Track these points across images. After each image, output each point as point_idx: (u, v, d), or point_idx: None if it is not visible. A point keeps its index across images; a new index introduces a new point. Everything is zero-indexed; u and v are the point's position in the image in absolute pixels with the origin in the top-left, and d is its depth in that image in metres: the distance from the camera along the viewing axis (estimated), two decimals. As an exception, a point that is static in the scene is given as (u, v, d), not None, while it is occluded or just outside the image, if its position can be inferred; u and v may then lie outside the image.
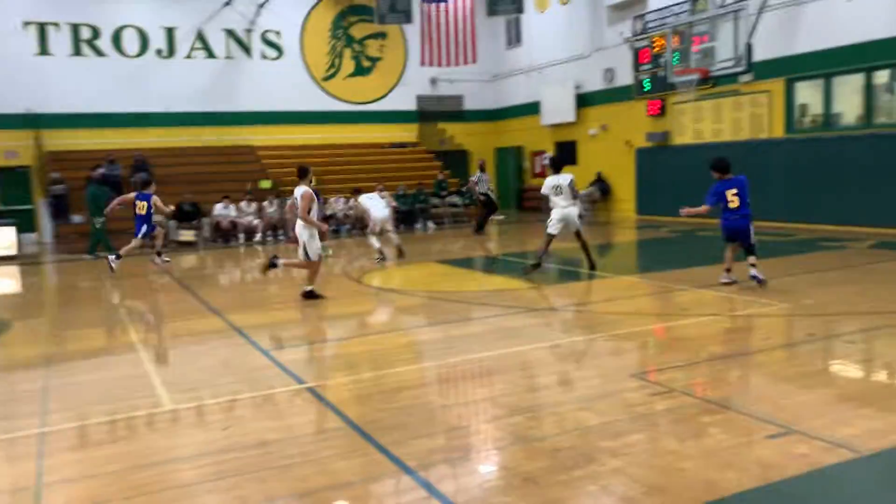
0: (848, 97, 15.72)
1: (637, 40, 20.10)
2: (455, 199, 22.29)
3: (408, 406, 5.35)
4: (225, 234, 18.79)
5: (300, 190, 9.54)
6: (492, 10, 22.79)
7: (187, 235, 18.43)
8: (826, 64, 15.54)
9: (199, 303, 10.25)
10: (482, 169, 19.27)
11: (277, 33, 23.89)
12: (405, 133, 25.62)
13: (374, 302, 10.26)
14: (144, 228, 12.94)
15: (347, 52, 24.94)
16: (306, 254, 9.65)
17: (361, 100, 25.12)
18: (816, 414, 4.81)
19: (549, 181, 11.19)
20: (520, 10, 22.92)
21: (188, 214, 18.77)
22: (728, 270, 9.52)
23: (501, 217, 23.31)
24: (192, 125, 22.41)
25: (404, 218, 20.84)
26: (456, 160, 25.58)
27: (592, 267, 11.08)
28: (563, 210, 10.97)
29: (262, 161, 22.48)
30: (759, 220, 16.68)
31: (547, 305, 9.43)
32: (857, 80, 15.31)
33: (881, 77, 15.01)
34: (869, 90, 15.13)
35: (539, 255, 11.13)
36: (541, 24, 24.17)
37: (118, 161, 19.60)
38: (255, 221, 19.12)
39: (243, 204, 19.31)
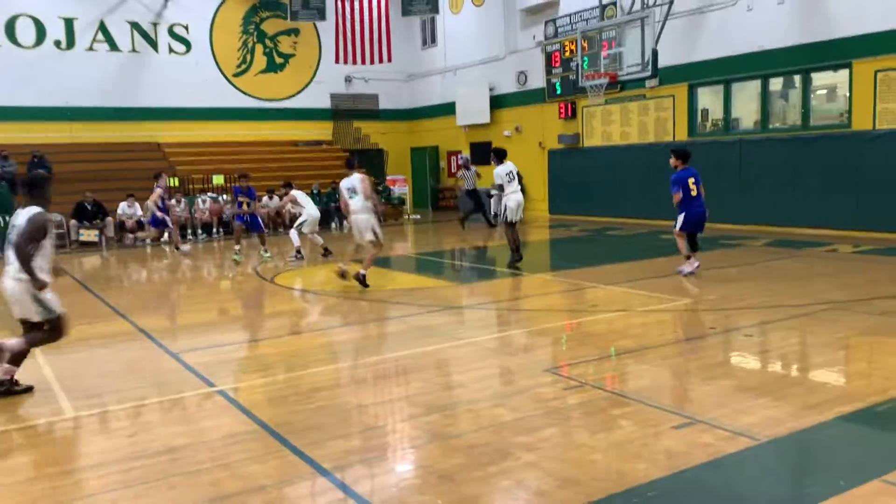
0: (746, 103, 16.54)
1: (549, 44, 20.53)
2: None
3: (323, 407, 5.28)
4: (130, 234, 18.07)
5: (354, 178, 9.97)
6: (406, 10, 22.81)
7: (89, 235, 17.65)
8: (725, 70, 16.28)
9: (103, 305, 9.82)
10: (466, 166, 19.26)
11: (185, 27, 23.14)
12: (319, 131, 25.30)
13: (288, 302, 10.08)
14: None
15: (259, 48, 24.40)
16: (376, 236, 9.95)
17: (274, 97, 24.65)
18: (719, 404, 5.03)
19: (502, 170, 11.42)
20: (434, 10, 23.03)
21: (90, 213, 17.96)
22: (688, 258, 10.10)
23: (417, 216, 23.38)
24: (94, 120, 21.46)
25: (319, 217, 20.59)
26: (371, 159, 25.44)
27: (520, 259, 11.36)
28: (516, 196, 11.36)
29: (170, 159, 21.74)
30: (665, 220, 17.41)
31: (462, 303, 9.51)
32: (753, 86, 16.12)
33: (776, 84, 15.86)
34: (765, 96, 15.95)
35: (516, 248, 11.45)
36: (455, 25, 24.36)
37: (11, 157, 18.56)
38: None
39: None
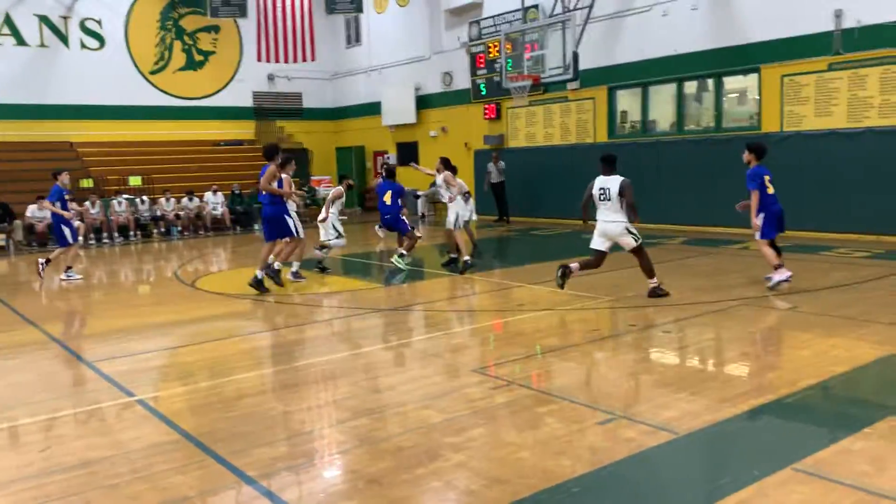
0: (662, 105, 17.09)
1: (473, 45, 20.70)
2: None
3: (248, 414, 5.19)
4: (40, 238, 17.27)
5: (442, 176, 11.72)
6: (330, 9, 22.60)
7: (-6, 239, 16.80)
8: (643, 74, 16.78)
9: (11, 312, 9.37)
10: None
11: (98, 22, 22.28)
12: (241, 130, 24.79)
13: (210, 307, 9.83)
14: None
15: (178, 45, 23.72)
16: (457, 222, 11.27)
17: (193, 95, 24.01)
18: (640, 399, 5.19)
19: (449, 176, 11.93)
20: (359, 9, 22.91)
21: (-4, 216, 17.10)
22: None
23: (343, 217, 23.16)
24: (0, 118, 20.42)
25: (240, 219, 20.19)
26: (295, 159, 25.00)
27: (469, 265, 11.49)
28: (460, 203, 11.86)
29: (83, 158, 20.90)
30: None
31: (389, 306, 9.49)
32: (669, 89, 16.67)
33: (690, 87, 16.44)
34: (680, 99, 16.52)
35: (471, 252, 11.83)
36: (380, 24, 24.28)
37: None
38: (76, 224, 17.71)
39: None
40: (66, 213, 11.80)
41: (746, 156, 9.36)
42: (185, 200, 19.45)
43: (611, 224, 8.85)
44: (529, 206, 19.32)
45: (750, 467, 4.00)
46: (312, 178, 24.12)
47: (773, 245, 9.15)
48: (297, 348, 7.17)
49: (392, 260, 11.81)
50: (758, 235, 9.17)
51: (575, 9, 15.99)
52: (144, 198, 19.25)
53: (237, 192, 20.34)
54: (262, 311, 9.26)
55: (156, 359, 7.12)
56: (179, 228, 19.25)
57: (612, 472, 4.02)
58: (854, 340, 6.53)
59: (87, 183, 19.31)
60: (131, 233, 18.49)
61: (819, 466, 3.96)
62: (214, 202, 19.79)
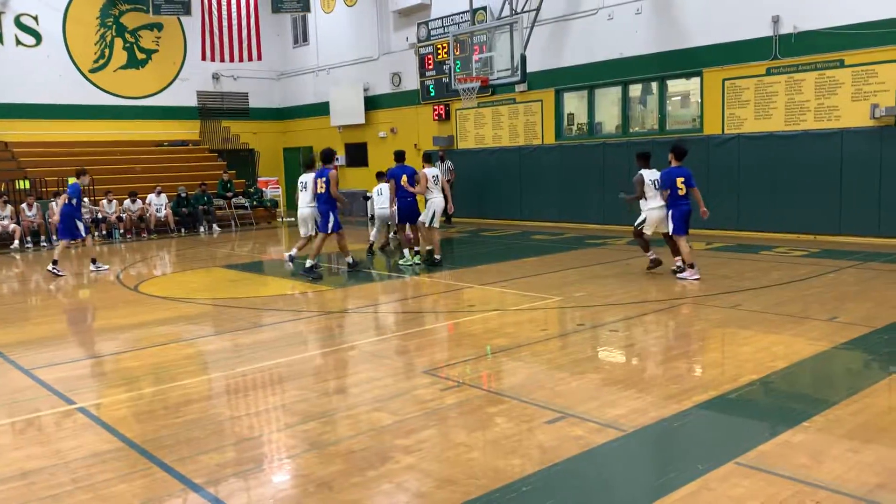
0: (608, 108, 17.37)
1: (422, 46, 20.70)
2: (241, 200, 21.53)
3: (194, 420, 5.08)
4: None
5: (436, 169, 12.12)
6: (276, 8, 22.35)
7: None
8: (589, 77, 17.03)
9: (-58, 320, 9.00)
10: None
11: (34, 18, 21.54)
12: (185, 131, 24.28)
13: (153, 311, 9.60)
14: None
15: (118, 43, 23.10)
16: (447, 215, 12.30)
17: (135, 94, 23.41)
18: (588, 398, 5.26)
19: (431, 171, 12.06)
20: (306, 9, 22.71)
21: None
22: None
23: (291, 219, 22.92)
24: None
25: (186, 221, 19.80)
26: (242, 160, 24.70)
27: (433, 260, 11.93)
28: (439, 199, 11.93)
29: (20, 159, 20.19)
30: (535, 221, 17.99)
31: (339, 307, 9.42)
32: (615, 92, 16.95)
33: (635, 90, 16.75)
34: (625, 102, 16.81)
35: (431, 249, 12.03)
36: (328, 24, 24.10)
37: None
38: (12, 227, 17.13)
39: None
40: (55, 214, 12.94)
41: (670, 156, 10.07)
42: (127, 202, 18.97)
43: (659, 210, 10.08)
44: (479, 207, 19.41)
45: (695, 462, 4.10)
46: (259, 179, 23.78)
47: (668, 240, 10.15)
48: (245, 352, 7.05)
49: (401, 262, 12.15)
50: (671, 231, 9.91)
51: (522, 11, 16.15)
52: (85, 200, 18.68)
53: (183, 194, 19.91)
54: (208, 315, 9.09)
55: (97, 365, 6.93)
56: (122, 231, 18.76)
57: (562, 471, 4.06)
58: (793, 337, 6.74)
59: (23, 184, 18.65)
60: (71, 235, 17.92)
61: (761, 460, 4.08)
62: (158, 204, 19.34)
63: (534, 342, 7.02)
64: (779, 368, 5.82)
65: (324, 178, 11.19)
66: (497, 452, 4.32)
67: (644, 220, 10.20)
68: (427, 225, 11.88)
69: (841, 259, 11.16)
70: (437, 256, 11.86)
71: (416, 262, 11.96)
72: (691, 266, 9.82)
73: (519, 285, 9.91)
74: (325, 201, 11.23)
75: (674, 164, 9.94)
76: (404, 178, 11.86)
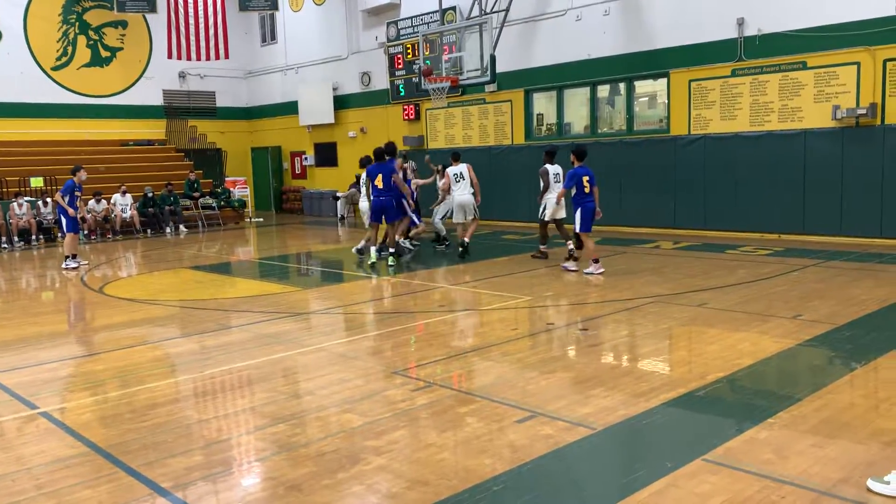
0: (577, 108, 17.49)
1: (391, 46, 20.65)
2: (209, 200, 21.28)
3: (161, 424, 5.01)
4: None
5: (462, 167, 12.60)
6: (244, 6, 22.14)
7: None
8: (558, 77, 17.14)
9: None
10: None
11: (-6, 14, 21.09)
12: (151, 130, 23.93)
13: (119, 314, 9.44)
14: None
15: (82, 40, 22.68)
16: (475, 213, 12.61)
17: (99, 93, 23.02)
18: (557, 396, 5.29)
19: (454, 169, 12.54)
20: (274, 7, 22.53)
21: None
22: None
23: (260, 219, 22.73)
24: None
25: (152, 221, 19.51)
26: (209, 159, 24.43)
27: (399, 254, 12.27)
28: (462, 197, 12.51)
29: (-22, 158, 19.74)
30: (506, 221, 18.05)
31: (309, 308, 9.36)
32: (583, 92, 17.08)
33: (603, 91, 16.89)
34: (594, 102, 16.94)
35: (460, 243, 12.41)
36: (296, 23, 23.93)
37: None
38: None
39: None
40: (69, 210, 12.78)
41: (572, 158, 10.69)
42: (91, 202, 18.62)
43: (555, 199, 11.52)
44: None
45: (663, 459, 4.14)
46: (227, 179, 23.54)
47: (579, 238, 10.92)
48: (213, 354, 6.97)
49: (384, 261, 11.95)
50: (578, 228, 10.56)
51: (492, 11, 16.19)
52: (48, 200, 18.31)
53: (149, 194, 19.61)
54: (174, 317, 8.97)
55: (61, 368, 6.79)
56: (86, 232, 18.42)
57: (532, 469, 4.08)
58: (758, 334, 6.85)
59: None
60: (33, 237, 17.57)
61: (727, 456, 4.14)
62: (123, 204, 19.03)
63: (504, 342, 7.04)
64: (745, 366, 5.91)
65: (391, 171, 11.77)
66: (468, 452, 4.33)
67: (545, 207, 11.69)
68: (465, 219, 12.47)
69: (805, 258, 11.37)
70: (467, 240, 12.39)
71: (391, 263, 11.76)
72: (596, 261, 10.43)
73: (489, 285, 9.93)
74: (389, 190, 11.63)
75: (576, 164, 10.58)
76: (379, 177, 11.73)
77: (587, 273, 10.39)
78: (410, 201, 12.63)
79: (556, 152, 12.32)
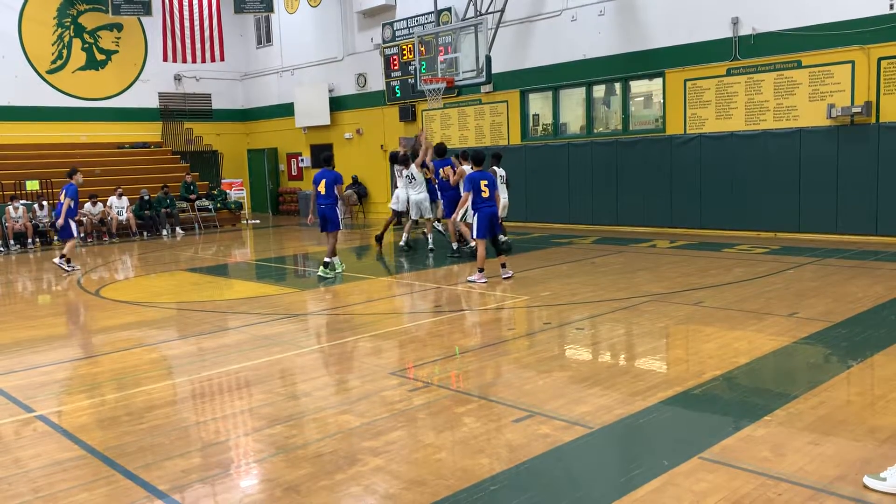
0: (573, 108, 17.50)
1: (387, 47, 20.65)
2: (205, 202, 21.26)
3: (158, 426, 5.01)
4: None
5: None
6: (239, 8, 22.11)
7: None
8: (554, 78, 17.15)
9: None
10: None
11: (-11, 17, 21.05)
12: (147, 132, 23.90)
13: (116, 316, 9.43)
14: None
15: (77, 43, 22.63)
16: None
17: (95, 96, 22.98)
18: (555, 396, 5.29)
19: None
20: (269, 9, 22.51)
21: None
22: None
23: (256, 221, 22.71)
24: None
25: (148, 224, 19.49)
26: (205, 161, 24.41)
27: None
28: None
29: (-26, 162, 19.69)
30: (502, 221, 17.99)
31: (306, 310, 9.36)
32: (579, 93, 17.09)
33: (599, 91, 16.91)
34: (589, 102, 16.96)
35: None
36: (292, 25, 23.92)
37: None
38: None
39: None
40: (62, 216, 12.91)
41: (468, 163, 10.71)
42: (87, 205, 18.60)
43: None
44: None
45: (660, 458, 4.15)
46: (223, 181, 23.51)
47: (494, 244, 10.46)
48: (210, 356, 6.97)
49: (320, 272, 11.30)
50: (474, 234, 10.29)
51: (487, 12, 16.20)
52: (44, 203, 18.30)
53: (145, 197, 19.59)
54: (171, 319, 8.96)
55: (57, 371, 6.78)
56: (82, 235, 18.39)
57: (529, 469, 4.08)
58: (754, 333, 6.86)
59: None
60: (29, 240, 17.54)
61: (724, 454, 4.15)
62: (119, 206, 19.01)
63: (500, 341, 7.04)
64: (741, 364, 5.92)
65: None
66: (465, 452, 4.33)
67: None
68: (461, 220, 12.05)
69: (800, 256, 11.40)
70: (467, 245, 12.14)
71: (331, 273, 11.18)
72: (481, 270, 10.11)
73: (486, 285, 9.93)
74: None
75: (474, 169, 10.38)
76: (322, 182, 11.05)
77: (469, 280, 10.06)
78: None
79: (501, 156, 12.86)
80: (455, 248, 12.70)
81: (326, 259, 11.24)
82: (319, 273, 11.18)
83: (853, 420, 4.62)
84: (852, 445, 4.23)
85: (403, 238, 13.97)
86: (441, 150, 13.21)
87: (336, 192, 11.07)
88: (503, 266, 10.34)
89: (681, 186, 15.11)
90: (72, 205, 12.88)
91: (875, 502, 3.56)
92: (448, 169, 12.66)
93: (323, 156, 11.68)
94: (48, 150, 21.16)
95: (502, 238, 12.21)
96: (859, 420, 4.62)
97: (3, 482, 4.16)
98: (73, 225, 13.08)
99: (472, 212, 10.31)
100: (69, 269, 12.87)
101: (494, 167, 12.85)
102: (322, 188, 11.05)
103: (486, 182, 10.16)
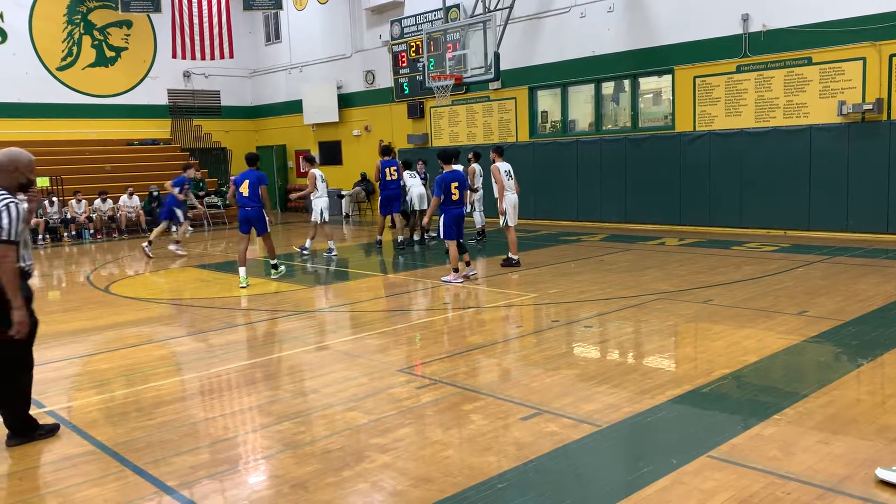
0: (581, 105, 17.46)
1: (395, 44, 20.65)
2: (214, 199, 21.32)
3: (167, 422, 5.03)
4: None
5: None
6: (248, 5, 22.16)
7: None
8: (562, 74, 17.11)
9: None
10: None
11: (0, 15, 21.15)
12: (156, 129, 23.99)
13: (125, 312, 9.47)
14: None
15: (87, 40, 22.73)
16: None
17: (105, 92, 23.08)
18: (562, 394, 5.29)
19: (504, 166, 11.73)
20: (278, 6, 22.55)
21: None
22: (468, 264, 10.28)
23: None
24: None
25: (157, 221, 19.53)
26: (214, 158, 24.48)
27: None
28: (512, 196, 11.55)
29: (-15, 158, 19.77)
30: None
31: (314, 307, 9.38)
32: (588, 89, 17.04)
33: (608, 88, 16.86)
34: (598, 99, 16.91)
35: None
36: (300, 22, 23.95)
37: None
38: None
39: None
40: (179, 197, 14.42)
41: (440, 162, 10.29)
42: (97, 202, 18.69)
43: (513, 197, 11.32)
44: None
45: (668, 456, 4.14)
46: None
47: (460, 246, 10.22)
48: (219, 352, 6.99)
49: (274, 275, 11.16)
50: (442, 235, 10.19)
51: (496, 9, 16.17)
52: (54, 199, 18.40)
53: (155, 193, 19.65)
54: (180, 316, 9.00)
55: (67, 367, 6.82)
56: (92, 231, 18.49)
57: (537, 467, 4.08)
58: (764, 331, 6.83)
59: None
60: (39, 236, 17.64)
61: (733, 453, 4.13)
62: (130, 207, 19.08)
63: (508, 339, 7.04)
64: (750, 362, 5.90)
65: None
66: (473, 449, 4.33)
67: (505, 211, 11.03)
68: (503, 225, 11.31)
69: (810, 254, 11.34)
70: (514, 257, 11.21)
71: (282, 268, 11.27)
72: (455, 270, 10.05)
73: (493, 282, 9.93)
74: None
75: (445, 168, 10.14)
76: (245, 183, 10.48)
77: (444, 281, 10.03)
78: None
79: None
80: (400, 240, 14.01)
81: (273, 261, 11.10)
82: (273, 277, 11.04)
83: (863, 419, 4.60)
84: (862, 444, 4.21)
85: (399, 238, 14.08)
86: (386, 150, 14.14)
87: (260, 192, 10.40)
88: (468, 264, 10.29)
89: (690, 184, 15.06)
90: (176, 192, 14.28)
91: (885, 502, 3.54)
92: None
93: (247, 155, 11.11)
94: (58, 146, 21.26)
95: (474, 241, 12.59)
96: (869, 419, 4.59)
97: (13, 476, 4.19)
98: (178, 212, 14.46)
99: (440, 212, 10.13)
100: (178, 251, 14.37)
101: (474, 165, 13.16)
102: (245, 189, 10.40)
103: (456, 184, 10.05)
